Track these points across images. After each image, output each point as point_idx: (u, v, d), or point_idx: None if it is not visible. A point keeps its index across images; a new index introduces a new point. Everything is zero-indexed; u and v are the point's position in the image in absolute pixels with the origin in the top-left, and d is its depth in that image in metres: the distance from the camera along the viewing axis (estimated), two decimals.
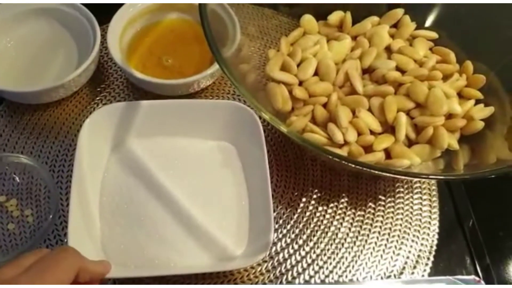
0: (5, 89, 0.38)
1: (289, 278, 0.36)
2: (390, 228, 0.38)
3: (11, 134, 0.41)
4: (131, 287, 0.31)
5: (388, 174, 0.29)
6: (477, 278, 0.33)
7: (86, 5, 0.42)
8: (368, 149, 0.35)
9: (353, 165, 0.29)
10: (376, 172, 0.30)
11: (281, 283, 0.35)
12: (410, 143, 0.36)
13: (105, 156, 0.37)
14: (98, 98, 0.43)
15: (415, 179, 0.40)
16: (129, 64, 0.41)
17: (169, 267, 0.32)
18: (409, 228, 0.38)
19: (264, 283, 0.35)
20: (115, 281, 0.34)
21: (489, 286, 0.35)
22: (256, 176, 0.35)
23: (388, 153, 0.36)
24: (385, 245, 0.37)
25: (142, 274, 0.32)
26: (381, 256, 0.37)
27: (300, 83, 0.38)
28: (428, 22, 0.43)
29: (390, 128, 0.36)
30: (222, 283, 0.35)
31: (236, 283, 0.35)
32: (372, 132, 0.36)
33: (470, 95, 0.38)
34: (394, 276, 0.36)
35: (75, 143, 0.39)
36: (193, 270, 0.32)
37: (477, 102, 0.38)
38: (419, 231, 0.38)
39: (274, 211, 0.36)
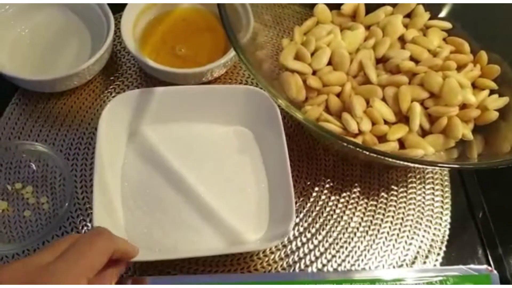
0: (20, 77, 0.38)
1: (302, 266, 0.36)
2: (402, 218, 0.38)
3: (25, 122, 0.41)
4: (147, 287, 0.31)
5: (402, 162, 0.30)
6: (489, 268, 0.33)
7: None
8: (382, 139, 0.35)
9: (368, 153, 0.29)
10: (390, 160, 0.30)
11: (294, 271, 0.36)
12: (424, 133, 0.36)
13: (123, 143, 0.37)
14: (111, 87, 0.43)
15: (428, 169, 0.40)
16: (143, 53, 0.41)
17: (190, 251, 0.32)
18: (421, 218, 0.38)
19: (277, 271, 0.36)
20: (135, 271, 0.34)
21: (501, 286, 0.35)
22: (274, 161, 0.35)
23: (401, 143, 0.36)
24: (397, 234, 0.37)
25: (165, 257, 0.32)
26: (393, 245, 0.37)
27: (314, 73, 0.38)
28: (442, 13, 0.43)
29: (404, 118, 0.36)
30: (235, 270, 0.35)
31: (249, 271, 0.35)
32: (386, 122, 0.36)
33: (484, 85, 0.37)
34: (406, 265, 0.36)
35: (90, 131, 0.40)
36: (211, 252, 0.32)
37: (491, 92, 0.37)
38: (431, 221, 0.38)
39: None
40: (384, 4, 0.42)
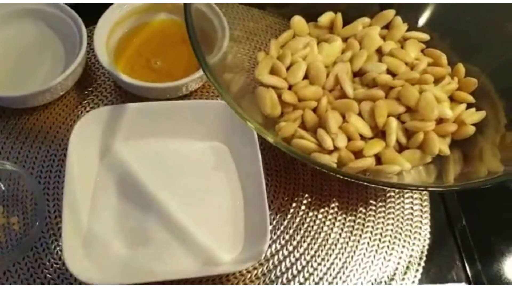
0: None
1: (284, 281, 0.35)
2: (380, 234, 0.38)
3: None
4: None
5: (376, 186, 0.29)
6: (467, 286, 0.33)
7: (72, 5, 0.42)
8: (358, 154, 0.35)
9: (341, 176, 0.28)
10: (365, 183, 0.30)
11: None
12: (400, 148, 0.36)
13: (96, 161, 0.36)
14: (85, 101, 0.42)
15: None
16: (117, 67, 0.40)
17: (164, 272, 0.32)
18: (400, 234, 0.38)
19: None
20: None
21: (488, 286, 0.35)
22: (250, 178, 0.35)
23: (378, 158, 0.35)
24: (376, 250, 0.37)
25: (138, 280, 0.31)
26: (372, 261, 0.36)
27: (290, 87, 0.37)
28: (420, 23, 0.43)
29: (380, 133, 0.36)
30: None
31: None
32: (362, 137, 0.35)
33: (461, 98, 0.37)
34: (385, 282, 0.36)
35: (62, 148, 0.39)
36: (185, 275, 0.32)
37: (469, 106, 0.37)
38: (410, 236, 0.38)
39: None
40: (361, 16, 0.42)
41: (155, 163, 0.36)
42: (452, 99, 0.38)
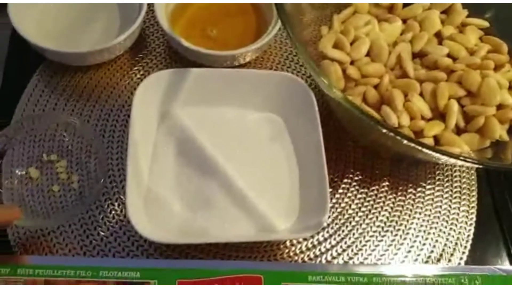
0: (49, 48, 0.37)
1: (329, 258, 0.36)
2: (429, 215, 0.38)
3: (50, 95, 0.40)
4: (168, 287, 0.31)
5: (444, 157, 0.29)
6: None
7: None
8: (418, 135, 0.35)
9: (411, 144, 0.29)
10: (427, 153, 0.30)
11: (320, 262, 0.36)
12: (458, 131, 0.36)
13: (155, 123, 0.36)
14: (140, 64, 0.42)
15: (456, 167, 0.40)
16: (174, 32, 0.40)
17: (222, 236, 0.32)
18: (448, 216, 0.38)
19: (304, 261, 0.35)
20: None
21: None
22: (306, 151, 0.35)
23: (436, 140, 0.35)
24: (424, 231, 0.37)
25: (197, 241, 0.32)
26: (420, 242, 0.37)
27: (352, 63, 0.37)
28: (479, 11, 0.42)
29: (439, 115, 0.36)
30: (262, 257, 0.35)
31: (277, 259, 0.35)
32: (422, 118, 0.35)
33: None
34: (432, 262, 0.36)
35: (117, 108, 0.39)
36: (243, 239, 0.32)
37: None
38: (457, 219, 0.38)
39: None
40: None
41: (212, 130, 0.36)
42: (511, 87, 0.38)
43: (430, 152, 0.29)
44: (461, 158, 0.29)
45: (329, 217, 0.37)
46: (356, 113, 0.30)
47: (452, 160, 0.32)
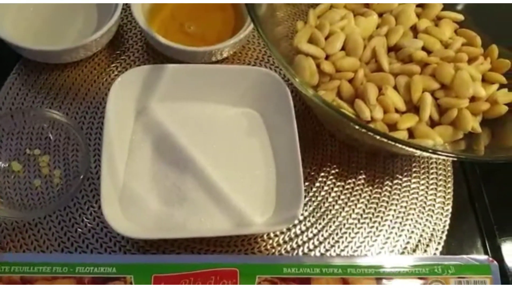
0: (25, 46, 0.37)
1: (305, 250, 0.36)
2: (405, 207, 0.38)
3: (27, 93, 0.40)
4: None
5: (414, 150, 0.30)
6: (490, 258, 0.34)
7: None
8: (392, 127, 0.35)
9: (382, 139, 0.29)
10: (401, 147, 0.30)
11: (297, 254, 0.36)
12: (432, 123, 0.36)
13: (132, 119, 0.36)
14: (117, 61, 0.42)
15: (432, 159, 0.41)
16: (151, 29, 0.40)
17: (199, 230, 0.32)
18: (424, 208, 0.39)
19: (281, 254, 0.36)
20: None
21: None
22: (283, 145, 0.35)
23: (410, 133, 0.36)
24: (400, 223, 0.38)
25: (173, 235, 0.33)
26: (396, 233, 0.37)
27: (327, 57, 0.37)
28: (454, 6, 0.43)
29: (413, 108, 0.37)
30: (239, 252, 0.35)
31: (253, 252, 0.35)
32: (396, 111, 0.36)
33: (494, 79, 0.38)
34: (408, 253, 0.37)
35: (94, 105, 0.40)
36: (219, 233, 0.32)
37: (500, 87, 0.38)
38: (433, 210, 0.39)
39: None
40: None
41: (189, 126, 0.37)
42: (484, 79, 0.38)
43: (401, 145, 0.29)
44: (430, 150, 0.29)
45: (306, 210, 0.37)
46: (328, 110, 0.30)
47: (425, 154, 0.32)
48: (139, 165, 0.35)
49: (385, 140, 0.30)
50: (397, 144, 0.29)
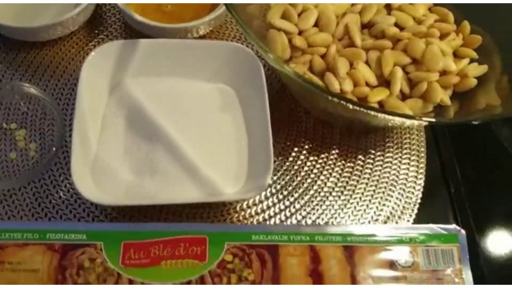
0: (2, 24, 0.38)
1: (277, 222, 0.37)
2: (377, 180, 0.39)
3: (5, 70, 0.40)
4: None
5: (384, 115, 0.31)
6: (458, 228, 0.34)
7: None
8: (363, 101, 0.36)
9: (351, 106, 0.30)
10: (373, 113, 0.31)
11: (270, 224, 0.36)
12: (403, 97, 0.37)
13: (106, 94, 0.37)
14: (95, 40, 0.43)
15: (406, 135, 0.41)
16: (129, 8, 0.41)
17: (170, 199, 0.33)
18: (396, 181, 0.39)
19: (253, 224, 0.36)
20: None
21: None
22: (255, 119, 0.36)
23: (381, 106, 0.36)
24: (372, 195, 0.38)
25: (146, 202, 0.33)
26: (367, 205, 0.38)
27: (300, 33, 0.38)
28: None
29: (385, 82, 0.37)
30: (212, 222, 0.36)
31: (225, 223, 0.36)
32: (367, 85, 0.36)
33: (465, 54, 0.38)
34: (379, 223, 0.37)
35: (72, 82, 0.40)
36: (190, 200, 0.33)
37: (471, 62, 0.38)
38: (405, 184, 0.39)
39: None
40: None
41: (163, 100, 0.37)
42: (456, 55, 0.39)
43: (366, 110, 0.30)
44: (397, 115, 0.30)
45: (278, 184, 0.38)
46: (299, 82, 0.31)
47: (396, 120, 0.33)
48: (112, 138, 0.35)
49: (351, 106, 0.30)
50: (362, 110, 0.30)
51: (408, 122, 0.34)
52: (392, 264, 0.33)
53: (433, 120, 0.33)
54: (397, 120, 0.33)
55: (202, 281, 0.31)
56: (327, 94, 0.31)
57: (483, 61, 0.38)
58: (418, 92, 0.36)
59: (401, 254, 0.33)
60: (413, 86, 0.37)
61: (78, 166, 0.31)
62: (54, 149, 0.35)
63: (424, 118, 0.32)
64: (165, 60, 0.38)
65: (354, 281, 0.32)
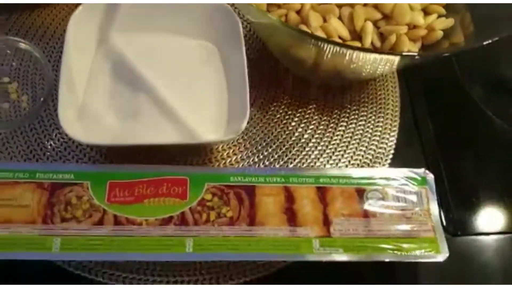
0: None
1: (261, 166, 0.39)
2: (352, 132, 0.41)
3: None
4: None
5: (360, 53, 0.34)
6: (427, 172, 0.36)
7: None
8: None
9: (336, 47, 0.33)
10: (349, 52, 0.33)
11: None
12: (375, 50, 0.39)
13: (93, 48, 0.39)
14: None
15: (381, 90, 0.43)
16: None
17: (146, 140, 0.35)
18: (371, 133, 0.41)
19: (231, 165, 0.38)
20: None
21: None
22: (235, 73, 0.38)
23: None
24: (347, 146, 0.40)
25: (128, 142, 0.35)
26: (342, 155, 0.40)
27: None
28: None
29: (357, 37, 0.39)
30: (191, 162, 0.38)
31: (205, 163, 0.38)
32: (340, 39, 0.38)
33: (434, 10, 0.40)
34: None
35: (62, 40, 0.41)
36: (167, 142, 0.35)
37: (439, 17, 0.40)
38: (379, 135, 0.41)
39: None
40: None
41: (148, 53, 0.39)
42: (426, 12, 0.41)
43: (341, 48, 0.32)
44: (368, 50, 0.32)
45: (258, 135, 0.40)
46: (281, 27, 0.33)
47: (369, 57, 0.35)
48: (98, 87, 0.37)
49: (332, 48, 0.33)
50: (342, 50, 0.32)
51: (380, 66, 0.37)
52: (363, 204, 0.35)
53: (404, 54, 0.35)
54: (371, 58, 0.35)
55: (183, 216, 0.33)
56: (308, 37, 0.33)
57: (451, 17, 0.40)
58: (388, 45, 0.38)
59: (372, 194, 0.35)
60: (384, 40, 0.39)
61: (64, 110, 0.33)
62: (42, 99, 0.37)
63: (393, 53, 0.34)
64: (151, 16, 0.40)
65: (326, 218, 0.34)
